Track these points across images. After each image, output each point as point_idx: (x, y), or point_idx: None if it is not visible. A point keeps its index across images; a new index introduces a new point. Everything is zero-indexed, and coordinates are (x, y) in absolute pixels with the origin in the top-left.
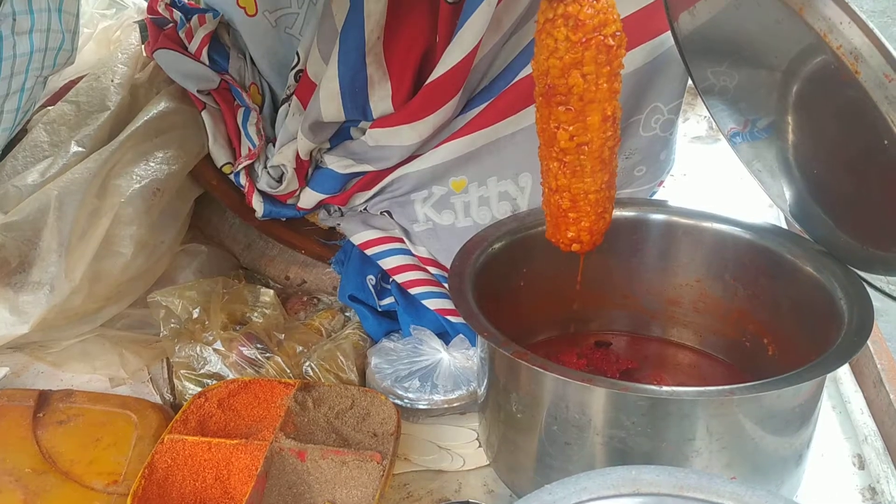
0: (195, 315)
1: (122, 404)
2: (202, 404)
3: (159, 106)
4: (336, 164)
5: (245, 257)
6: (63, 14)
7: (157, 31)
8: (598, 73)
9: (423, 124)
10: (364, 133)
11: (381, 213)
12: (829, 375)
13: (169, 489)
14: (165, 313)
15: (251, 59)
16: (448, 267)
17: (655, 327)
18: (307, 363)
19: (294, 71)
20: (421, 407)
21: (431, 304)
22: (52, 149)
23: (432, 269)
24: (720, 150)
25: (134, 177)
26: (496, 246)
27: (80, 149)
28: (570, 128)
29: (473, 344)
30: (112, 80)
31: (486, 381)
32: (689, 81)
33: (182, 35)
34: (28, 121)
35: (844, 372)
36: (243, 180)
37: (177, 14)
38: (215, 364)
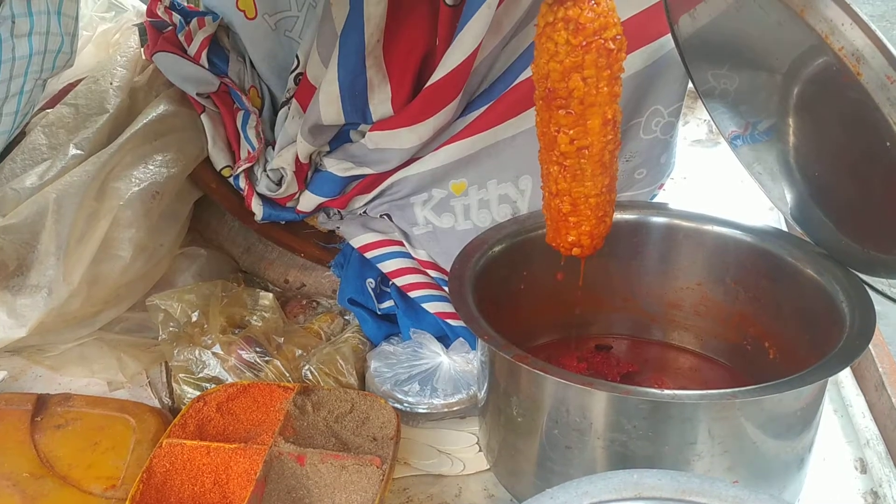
0: (194, 318)
1: (121, 408)
2: (201, 408)
3: (158, 109)
4: (336, 167)
5: (244, 260)
6: (62, 17)
7: (156, 34)
8: (598, 76)
9: (422, 127)
10: (364, 136)
11: (381, 216)
12: (830, 379)
13: (167, 493)
14: (164, 317)
15: (251, 62)
16: (448, 270)
17: (656, 331)
18: (306, 367)
19: (294, 74)
20: (421, 411)
21: (431, 307)
22: (50, 151)
23: (432, 273)
24: (720, 154)
25: (133, 180)
26: (496, 249)
27: (78, 152)
28: (571, 131)
29: (473, 347)
30: (111, 83)
31: (486, 384)
32: (690, 84)
33: (181, 38)
34: (27, 123)
35: (846, 375)
36: (242, 183)
37: (176, 17)
38: (214, 368)
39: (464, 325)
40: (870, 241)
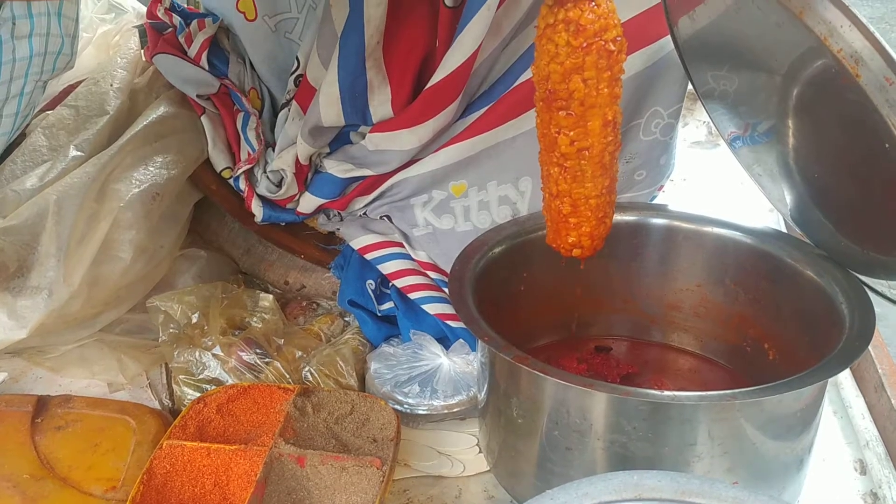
0: (194, 320)
1: (121, 410)
2: (201, 410)
3: (158, 110)
4: (336, 168)
5: (244, 262)
6: (62, 18)
7: (156, 35)
8: (598, 77)
9: (422, 129)
10: (364, 137)
11: (381, 217)
12: (830, 380)
13: (168, 495)
14: (164, 318)
15: (251, 63)
16: (448, 271)
17: (656, 332)
18: (306, 368)
19: (294, 76)
20: (421, 412)
21: (431, 308)
22: (50, 153)
23: (432, 274)
24: (720, 155)
25: (133, 181)
26: (496, 250)
27: (79, 153)
28: (571, 133)
29: (473, 349)
30: (111, 85)
31: (486, 386)
32: (689, 86)
33: (181, 40)
34: (27, 125)
35: (845, 377)
36: (243, 185)
37: (176, 19)
38: (214, 369)
39: (464, 326)
40: (869, 243)
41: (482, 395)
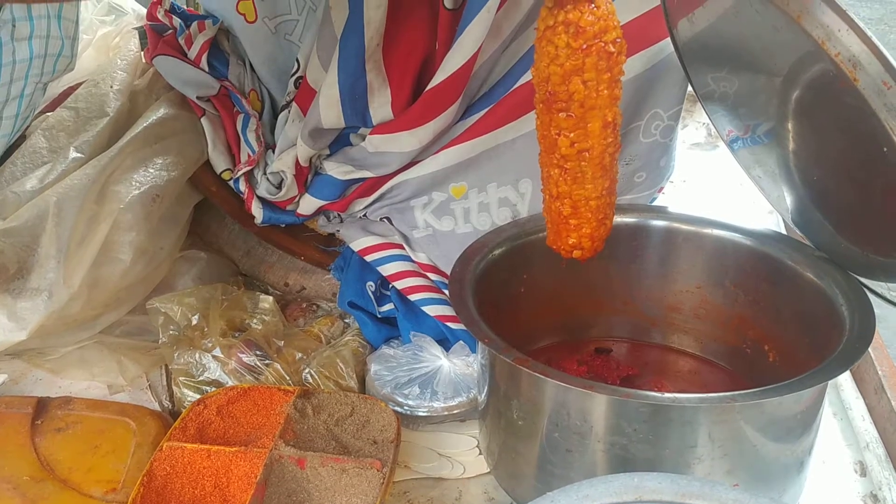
0: (194, 322)
1: (121, 411)
2: (201, 411)
3: (158, 112)
4: (336, 170)
5: (244, 264)
6: (62, 20)
7: (156, 37)
8: (598, 79)
9: (422, 130)
10: (364, 139)
11: (381, 219)
12: (830, 382)
13: (168, 497)
14: (164, 320)
15: (251, 65)
16: (448, 273)
17: (656, 334)
18: (306, 370)
19: (294, 77)
20: (421, 414)
21: (431, 310)
22: (50, 155)
23: (432, 276)
24: (719, 157)
25: (133, 183)
26: (496, 252)
27: (79, 155)
28: (571, 134)
29: (473, 350)
30: (111, 87)
31: (486, 387)
32: (689, 87)
33: (181, 41)
34: (27, 127)
35: (845, 379)
36: (243, 186)
37: (176, 20)
38: (214, 371)
39: (464, 328)
40: (869, 245)
41: (482, 396)
